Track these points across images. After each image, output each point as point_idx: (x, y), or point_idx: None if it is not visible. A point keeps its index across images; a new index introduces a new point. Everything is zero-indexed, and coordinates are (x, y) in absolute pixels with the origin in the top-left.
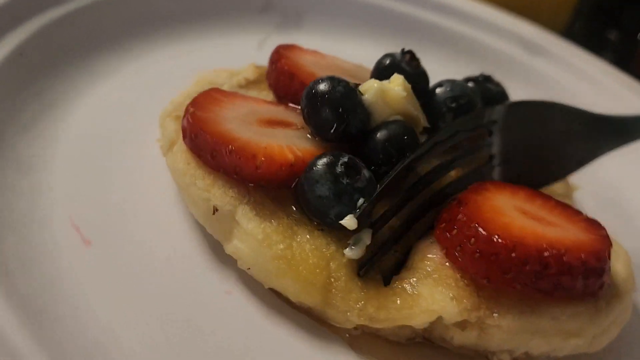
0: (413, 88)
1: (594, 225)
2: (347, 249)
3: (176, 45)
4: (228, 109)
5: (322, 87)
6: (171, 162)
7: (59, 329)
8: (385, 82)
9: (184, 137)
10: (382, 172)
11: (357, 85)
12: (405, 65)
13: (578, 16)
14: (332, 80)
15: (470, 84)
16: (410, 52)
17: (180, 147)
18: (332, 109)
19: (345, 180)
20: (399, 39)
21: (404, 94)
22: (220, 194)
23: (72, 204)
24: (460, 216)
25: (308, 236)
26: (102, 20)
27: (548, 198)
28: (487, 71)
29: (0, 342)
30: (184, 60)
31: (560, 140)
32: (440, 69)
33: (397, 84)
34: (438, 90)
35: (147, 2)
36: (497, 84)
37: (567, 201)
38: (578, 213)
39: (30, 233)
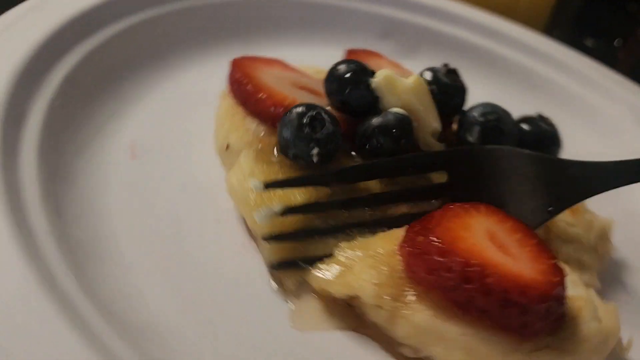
0: (448, 101)
1: (552, 268)
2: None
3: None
4: (269, 70)
5: (341, 65)
6: (217, 111)
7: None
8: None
9: (230, 84)
10: (370, 154)
11: (373, 71)
12: (442, 76)
13: (555, 24)
14: (350, 61)
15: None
16: (446, 65)
17: (226, 100)
18: (338, 80)
19: (306, 129)
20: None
21: (411, 85)
22: (235, 137)
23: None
24: (427, 219)
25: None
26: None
27: (523, 229)
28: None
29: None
30: None
31: (521, 190)
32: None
33: (412, 79)
34: (473, 106)
35: None
36: (550, 124)
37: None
38: (546, 253)
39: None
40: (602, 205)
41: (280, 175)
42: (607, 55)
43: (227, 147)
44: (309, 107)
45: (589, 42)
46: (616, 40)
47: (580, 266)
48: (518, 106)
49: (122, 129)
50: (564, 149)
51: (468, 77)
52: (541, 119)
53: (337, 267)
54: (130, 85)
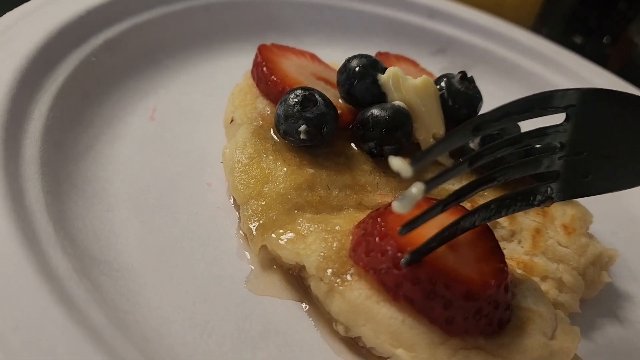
0: (460, 108)
1: (494, 272)
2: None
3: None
4: (294, 58)
5: (355, 59)
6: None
7: None
8: (411, 77)
9: (253, 66)
10: (368, 143)
11: (385, 68)
12: (456, 83)
13: (543, 22)
14: (364, 56)
15: None
16: (463, 72)
17: (245, 80)
18: (347, 72)
19: (296, 107)
20: None
21: (417, 85)
22: (241, 112)
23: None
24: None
25: (272, 157)
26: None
27: (483, 231)
28: None
29: None
30: None
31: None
32: None
33: (419, 80)
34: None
35: None
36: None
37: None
38: (496, 257)
39: None
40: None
41: (270, 151)
42: (595, 52)
43: (232, 120)
44: (306, 89)
45: (578, 40)
46: (605, 37)
47: (560, 286)
48: None
49: (151, 94)
50: None
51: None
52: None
53: (293, 234)
54: (171, 62)
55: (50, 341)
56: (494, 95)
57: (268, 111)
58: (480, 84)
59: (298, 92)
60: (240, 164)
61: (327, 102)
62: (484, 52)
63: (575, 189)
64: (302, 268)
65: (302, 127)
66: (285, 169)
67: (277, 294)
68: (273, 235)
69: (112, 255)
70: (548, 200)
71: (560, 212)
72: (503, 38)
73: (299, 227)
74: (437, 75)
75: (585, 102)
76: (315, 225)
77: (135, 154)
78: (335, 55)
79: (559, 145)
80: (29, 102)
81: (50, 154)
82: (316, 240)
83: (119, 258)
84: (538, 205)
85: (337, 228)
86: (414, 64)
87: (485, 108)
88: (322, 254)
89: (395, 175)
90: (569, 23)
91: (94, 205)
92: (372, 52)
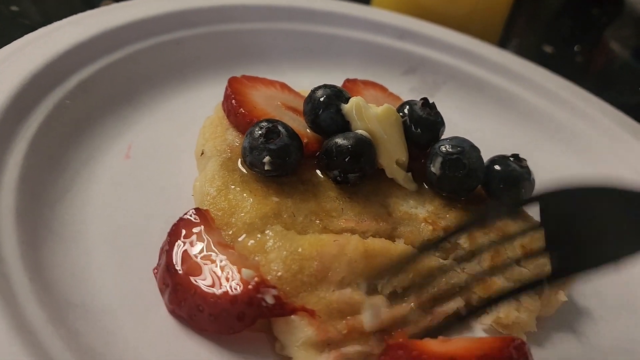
0: (422, 134)
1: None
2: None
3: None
4: (263, 89)
5: (320, 89)
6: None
7: None
8: (374, 105)
9: (224, 98)
10: (328, 168)
11: (349, 97)
12: (418, 109)
13: (511, 32)
14: (329, 86)
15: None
16: (425, 99)
17: (217, 113)
18: (312, 102)
19: (260, 139)
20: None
21: (378, 114)
22: (211, 145)
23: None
24: None
25: (239, 188)
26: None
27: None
28: None
29: None
30: None
31: (614, 224)
32: None
33: (381, 108)
34: (446, 138)
35: None
36: (524, 166)
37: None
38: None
39: None
40: None
41: (237, 182)
42: (567, 61)
43: (202, 153)
44: (270, 121)
45: (548, 49)
46: (576, 46)
47: (517, 306)
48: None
49: (126, 132)
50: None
51: (482, 117)
52: (516, 159)
53: (258, 248)
54: (145, 98)
55: None
56: (463, 111)
57: (237, 143)
58: (451, 101)
59: (262, 124)
60: (209, 197)
61: (291, 133)
62: (453, 69)
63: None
64: None
65: (266, 159)
66: (251, 199)
67: None
68: (241, 241)
69: (88, 298)
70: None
71: (520, 232)
72: (471, 55)
73: (268, 241)
74: (407, 95)
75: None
76: (280, 243)
77: (111, 194)
78: (308, 81)
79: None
80: (4, 152)
81: (26, 202)
82: (277, 259)
83: (95, 300)
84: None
85: (299, 250)
86: (382, 88)
87: (457, 122)
88: (279, 274)
89: (360, 201)
90: (540, 32)
91: (70, 249)
92: (344, 75)
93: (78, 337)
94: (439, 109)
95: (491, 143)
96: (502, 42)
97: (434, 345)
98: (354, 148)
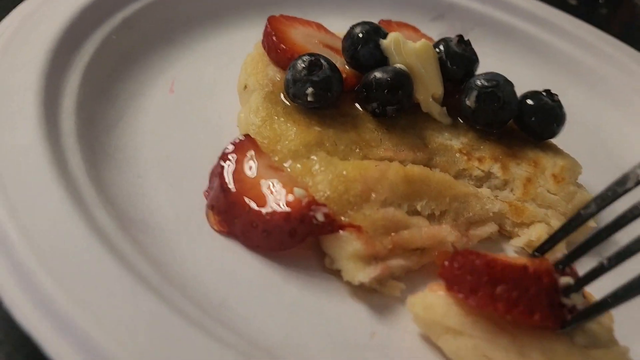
0: (457, 69)
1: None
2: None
3: None
4: (302, 28)
5: (358, 26)
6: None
7: None
8: (411, 41)
9: (263, 36)
10: (372, 103)
11: (387, 33)
12: (454, 46)
13: None
14: (368, 23)
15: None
16: (460, 36)
17: (257, 49)
18: (351, 38)
19: (303, 72)
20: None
21: (417, 49)
22: (254, 80)
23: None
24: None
25: (282, 119)
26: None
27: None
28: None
29: None
30: None
31: None
32: None
33: (418, 44)
34: (480, 74)
35: None
36: (556, 101)
37: None
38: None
39: None
40: None
41: (280, 113)
42: (590, 14)
43: (245, 87)
44: (312, 55)
45: (573, 1)
46: None
47: (549, 230)
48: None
49: (169, 69)
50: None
51: (509, 62)
52: (549, 94)
53: (305, 171)
54: (185, 37)
55: (105, 290)
56: (491, 57)
57: (278, 78)
58: (478, 47)
59: (305, 58)
60: (254, 127)
61: (332, 66)
62: (481, 16)
63: None
64: None
65: (309, 90)
66: (295, 129)
67: None
68: (289, 169)
69: (146, 215)
70: None
71: (551, 163)
72: (498, 1)
73: (314, 166)
74: (437, 39)
75: None
76: (325, 167)
77: (159, 124)
78: (339, 25)
79: None
80: (61, 80)
81: (84, 126)
82: (324, 182)
83: (153, 217)
84: None
85: (343, 173)
86: (415, 29)
87: (485, 67)
88: (328, 193)
89: (397, 132)
90: None
91: (125, 172)
92: (375, 20)
93: (142, 246)
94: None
95: (518, 86)
96: None
97: (501, 255)
98: (393, 81)
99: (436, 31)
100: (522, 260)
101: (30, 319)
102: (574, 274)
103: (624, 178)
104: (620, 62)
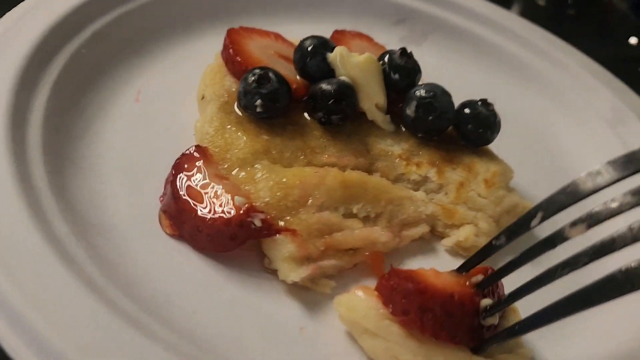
0: (400, 80)
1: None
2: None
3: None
4: (259, 39)
5: (308, 40)
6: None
7: None
8: (357, 54)
9: (223, 47)
10: (318, 113)
11: (334, 47)
12: (396, 58)
13: None
14: (316, 37)
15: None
16: (403, 49)
17: (216, 61)
18: (301, 52)
19: (253, 85)
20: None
21: (360, 61)
22: (211, 90)
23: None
24: None
25: (234, 129)
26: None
27: None
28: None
29: None
30: None
31: None
32: None
33: (362, 57)
34: (421, 84)
35: None
36: (491, 110)
37: None
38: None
39: None
40: None
41: (233, 123)
42: (559, 13)
43: (203, 97)
44: (262, 68)
45: (541, 1)
46: None
47: (477, 231)
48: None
49: (137, 78)
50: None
51: (466, 65)
52: (484, 104)
53: (249, 179)
54: (152, 47)
55: (54, 292)
56: (449, 60)
57: (234, 88)
58: (438, 50)
59: (255, 71)
60: (208, 136)
61: (280, 78)
62: (440, 20)
63: None
64: None
65: (258, 102)
66: (244, 137)
67: None
68: (233, 174)
69: (105, 219)
70: None
71: (484, 168)
72: (458, 7)
73: (257, 173)
74: (397, 44)
75: None
76: (266, 175)
77: (124, 132)
78: (302, 32)
79: None
80: (30, 94)
81: (51, 137)
82: (264, 188)
83: (111, 221)
84: None
85: (284, 180)
86: (368, 39)
87: (442, 69)
88: (266, 199)
89: (341, 139)
90: None
91: (89, 178)
92: (337, 25)
93: (96, 249)
94: (425, 57)
95: (470, 89)
96: None
97: (431, 277)
98: (337, 92)
99: (398, 35)
100: (450, 283)
101: None
102: (495, 292)
103: (532, 212)
104: (568, 67)
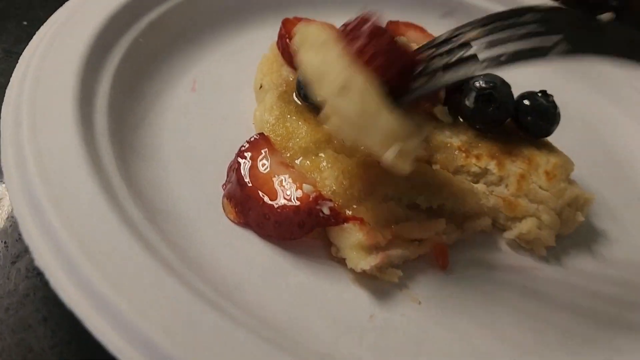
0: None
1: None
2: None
3: None
4: None
5: None
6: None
7: None
8: None
9: (278, 37)
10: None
11: None
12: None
13: None
14: None
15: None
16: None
17: (272, 50)
18: None
19: None
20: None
21: None
22: (268, 79)
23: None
24: None
25: (294, 117)
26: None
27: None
28: None
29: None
30: None
31: None
32: None
33: None
34: (479, 75)
35: None
36: (551, 102)
37: None
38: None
39: None
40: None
41: (292, 112)
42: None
43: (261, 86)
44: None
45: None
46: None
47: (539, 224)
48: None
49: (191, 68)
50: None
51: None
52: (544, 95)
53: (314, 167)
54: (207, 38)
55: (136, 275)
56: None
57: (291, 78)
58: None
59: None
60: (268, 124)
61: None
62: (488, 12)
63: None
64: None
65: None
66: (305, 127)
67: None
68: (298, 163)
69: (170, 206)
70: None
71: (545, 160)
72: None
73: (322, 163)
74: None
75: None
76: (331, 164)
77: (181, 121)
78: None
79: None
80: (94, 82)
81: (115, 125)
82: (330, 177)
83: (176, 208)
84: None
85: (349, 169)
86: (421, 29)
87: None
88: (333, 188)
89: None
90: None
91: (152, 166)
92: (385, 17)
93: (166, 234)
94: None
95: (524, 82)
96: None
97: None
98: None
99: (445, 28)
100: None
101: (72, 298)
102: None
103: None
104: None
